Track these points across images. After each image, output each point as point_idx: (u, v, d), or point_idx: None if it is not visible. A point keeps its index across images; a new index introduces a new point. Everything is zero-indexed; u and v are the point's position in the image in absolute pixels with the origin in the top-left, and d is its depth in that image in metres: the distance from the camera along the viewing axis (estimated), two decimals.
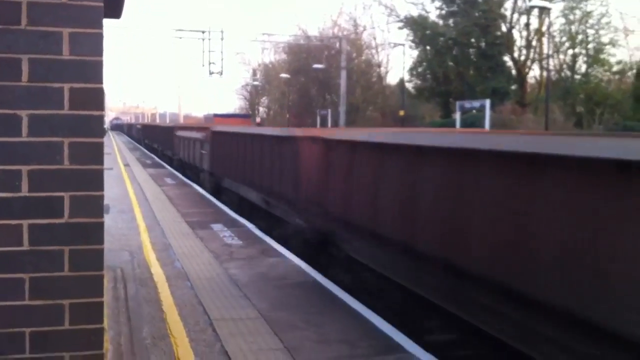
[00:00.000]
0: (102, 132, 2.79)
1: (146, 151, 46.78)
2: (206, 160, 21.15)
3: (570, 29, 47.73)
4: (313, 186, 10.37)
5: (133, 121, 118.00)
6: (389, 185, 7.75)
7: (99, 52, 2.75)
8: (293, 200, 11.43)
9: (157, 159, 37.34)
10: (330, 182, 9.65)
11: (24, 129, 2.63)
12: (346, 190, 8.97)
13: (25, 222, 2.62)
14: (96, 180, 2.74)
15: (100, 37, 2.75)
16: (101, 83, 2.76)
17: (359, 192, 8.56)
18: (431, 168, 6.68)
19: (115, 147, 47.39)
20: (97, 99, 2.74)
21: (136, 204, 16.11)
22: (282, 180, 12.22)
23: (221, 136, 19.02)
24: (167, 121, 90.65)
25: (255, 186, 14.56)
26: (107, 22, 2.87)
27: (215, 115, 63.45)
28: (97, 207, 2.73)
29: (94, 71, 2.74)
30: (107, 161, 2.85)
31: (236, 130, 18.07)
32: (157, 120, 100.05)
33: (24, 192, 2.62)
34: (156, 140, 42.28)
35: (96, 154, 2.74)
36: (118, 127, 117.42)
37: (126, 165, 30.40)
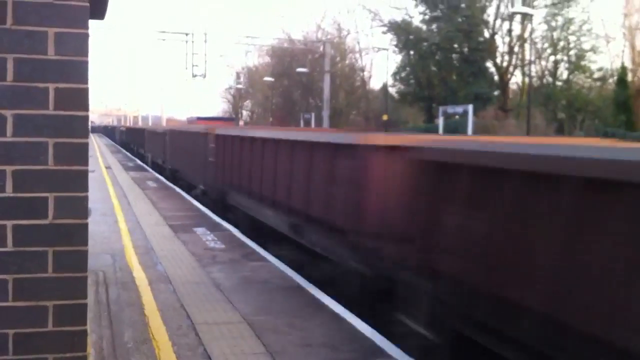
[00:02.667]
0: (86, 133, 2.77)
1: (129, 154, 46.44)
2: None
3: (552, 36, 48.16)
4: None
5: (115, 124, 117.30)
6: None
7: (85, 52, 2.73)
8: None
9: (139, 161, 37.07)
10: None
11: (9, 129, 2.61)
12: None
13: (9, 223, 2.59)
14: (81, 181, 2.71)
15: (85, 37, 2.73)
16: (86, 83, 2.74)
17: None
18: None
19: (96, 149, 47.10)
20: (82, 99, 2.72)
21: (118, 207, 16.02)
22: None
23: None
24: (150, 124, 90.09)
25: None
26: (91, 23, 2.85)
27: (199, 118, 63.20)
28: (81, 208, 2.70)
29: (80, 71, 2.72)
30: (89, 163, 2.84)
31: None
32: (140, 123, 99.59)
33: (8, 192, 2.60)
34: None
35: (81, 154, 2.72)
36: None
37: (108, 167, 30.21)
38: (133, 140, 48.06)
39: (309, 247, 9.79)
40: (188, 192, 19.86)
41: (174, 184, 22.79)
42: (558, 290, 4.62)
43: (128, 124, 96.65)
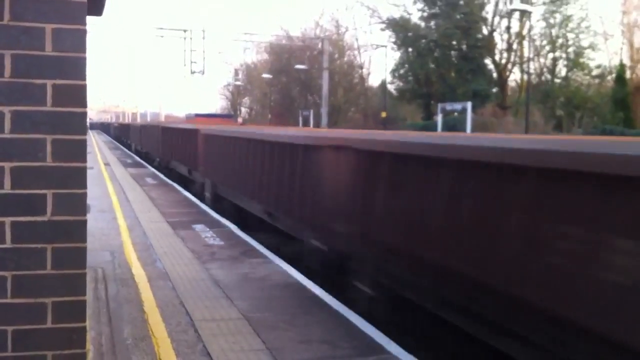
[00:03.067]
0: (84, 130, 2.76)
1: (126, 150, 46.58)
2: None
3: (551, 33, 48.16)
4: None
5: (113, 120, 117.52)
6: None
7: (82, 49, 2.72)
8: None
9: (137, 158, 37.19)
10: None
11: (7, 125, 2.60)
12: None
13: (7, 220, 2.58)
14: (79, 178, 2.71)
15: (83, 33, 2.72)
16: (84, 80, 2.73)
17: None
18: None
19: (94, 145, 47.08)
20: (80, 95, 2.71)
21: (117, 204, 16.01)
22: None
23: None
24: (148, 120, 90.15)
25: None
26: (88, 20, 2.84)
27: (197, 115, 63.14)
28: (80, 204, 2.70)
29: (77, 68, 2.71)
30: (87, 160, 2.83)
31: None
32: (138, 120, 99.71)
33: (7, 189, 2.59)
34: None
35: (79, 151, 2.71)
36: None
37: (106, 164, 30.20)
38: (122, 134, 60.83)
39: (282, 229, 11.48)
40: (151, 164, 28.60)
41: (146, 161, 31.27)
42: (446, 245, 6.13)
43: (127, 121, 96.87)
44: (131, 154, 41.19)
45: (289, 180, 10.69)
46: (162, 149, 27.25)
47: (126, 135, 54.77)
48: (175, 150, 23.56)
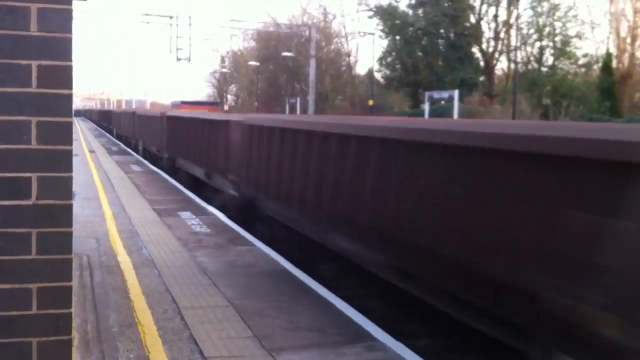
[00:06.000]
0: (70, 112, 2.69)
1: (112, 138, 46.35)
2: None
3: (538, 22, 48.22)
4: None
5: (98, 108, 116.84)
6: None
7: (68, 29, 2.65)
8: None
9: (123, 145, 37.01)
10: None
11: None
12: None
13: None
14: (64, 162, 2.65)
15: (69, 13, 2.66)
16: (70, 61, 2.67)
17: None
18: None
19: (79, 132, 46.73)
20: (66, 77, 2.65)
21: (102, 191, 15.90)
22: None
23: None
24: (133, 107, 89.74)
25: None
26: (73, 6, 2.77)
27: (183, 103, 62.80)
28: (65, 189, 2.64)
29: (63, 48, 2.64)
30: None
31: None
32: (123, 107, 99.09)
33: None
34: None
35: (65, 134, 2.65)
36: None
37: (92, 151, 29.99)
38: (103, 119, 70.65)
39: (214, 186, 15.63)
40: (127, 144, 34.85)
41: (126, 144, 36.99)
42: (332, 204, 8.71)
43: (112, 108, 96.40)
44: (117, 141, 42.88)
45: (214, 150, 15.53)
46: (135, 131, 33.70)
47: (106, 120, 63.32)
48: (144, 132, 29.79)
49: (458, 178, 5.90)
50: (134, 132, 34.09)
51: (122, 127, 42.54)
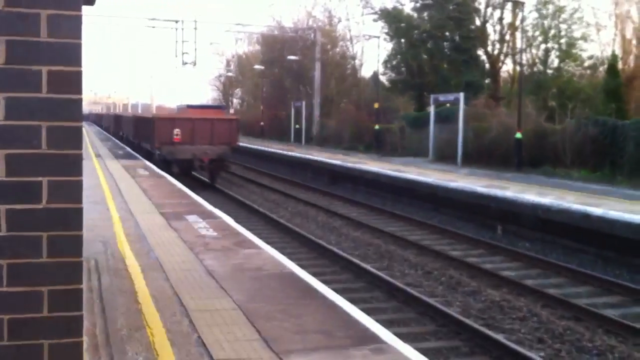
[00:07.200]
0: (80, 117, 2.72)
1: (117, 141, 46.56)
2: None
3: (543, 24, 48.06)
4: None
5: (104, 112, 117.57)
6: None
7: (78, 35, 2.69)
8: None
9: (128, 149, 37.21)
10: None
11: (1, 112, 2.56)
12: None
13: (2, 207, 2.55)
14: (75, 165, 2.68)
15: (79, 19, 2.69)
16: (80, 66, 2.70)
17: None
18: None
19: (85, 137, 46.92)
20: (76, 82, 2.68)
21: (109, 195, 15.96)
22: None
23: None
24: (139, 111, 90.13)
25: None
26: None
27: (189, 106, 62.84)
28: (76, 192, 2.67)
29: (73, 54, 2.67)
30: None
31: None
32: (129, 111, 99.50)
33: (1, 176, 2.56)
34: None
35: (75, 138, 2.68)
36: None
37: (98, 156, 30.11)
38: (101, 121, 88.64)
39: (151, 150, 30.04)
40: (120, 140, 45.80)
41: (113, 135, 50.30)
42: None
43: (118, 112, 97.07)
44: (123, 145, 44.23)
45: (148, 132, 30.34)
46: (133, 131, 41.45)
47: (106, 122, 77.32)
48: (140, 132, 37.97)
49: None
50: (131, 131, 44.80)
51: (106, 123, 61.24)
